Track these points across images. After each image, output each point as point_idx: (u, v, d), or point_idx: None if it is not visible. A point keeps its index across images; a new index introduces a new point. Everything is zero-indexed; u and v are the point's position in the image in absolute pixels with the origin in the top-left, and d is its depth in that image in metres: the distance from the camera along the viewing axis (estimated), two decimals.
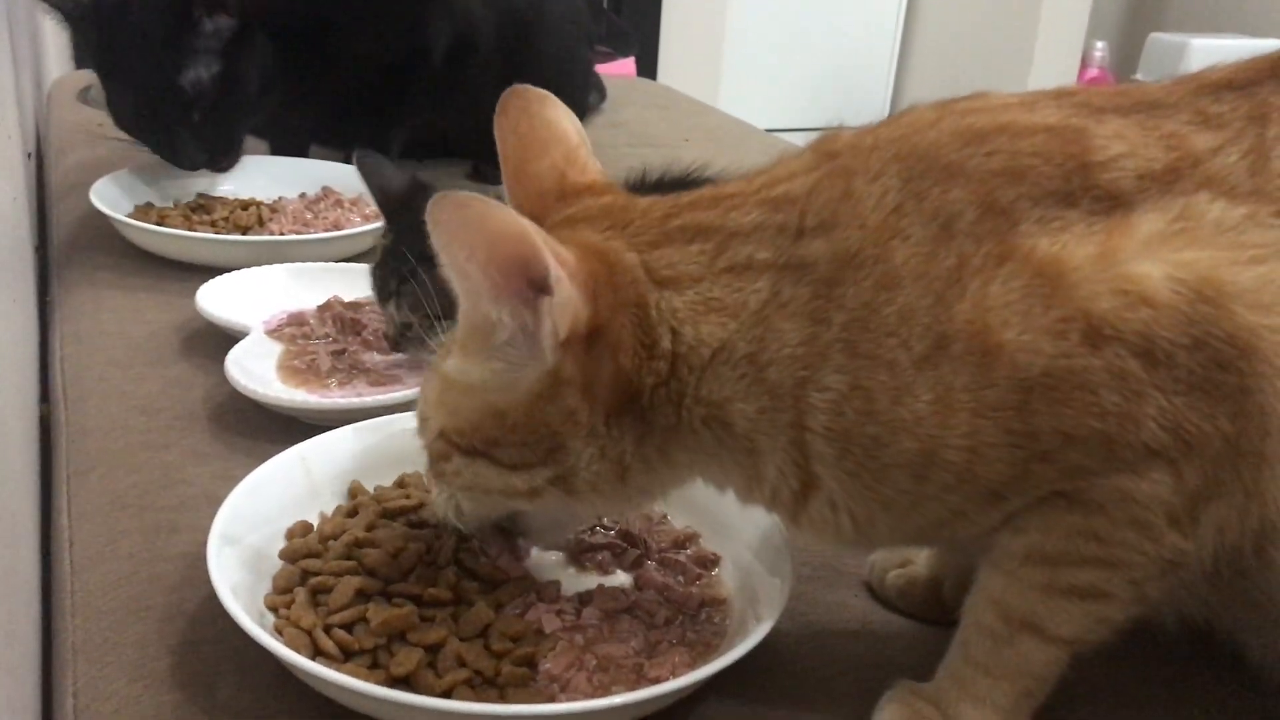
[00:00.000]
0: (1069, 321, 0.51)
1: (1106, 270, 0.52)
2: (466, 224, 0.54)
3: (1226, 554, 0.55)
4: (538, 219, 0.62)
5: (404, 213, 0.99)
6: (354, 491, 0.77)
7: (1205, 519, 0.54)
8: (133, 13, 1.30)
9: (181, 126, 1.33)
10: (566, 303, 0.55)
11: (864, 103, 4.22)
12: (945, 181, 0.55)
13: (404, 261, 0.93)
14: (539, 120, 0.67)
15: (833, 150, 0.59)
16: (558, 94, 0.68)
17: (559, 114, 0.67)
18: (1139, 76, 3.85)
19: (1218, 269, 0.51)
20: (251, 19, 1.34)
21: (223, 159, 1.39)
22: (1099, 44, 4.05)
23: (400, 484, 0.79)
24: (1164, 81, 0.60)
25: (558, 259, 0.54)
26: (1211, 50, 3.61)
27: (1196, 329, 0.51)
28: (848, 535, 0.59)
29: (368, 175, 1.02)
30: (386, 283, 0.97)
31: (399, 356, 1.01)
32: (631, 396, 0.58)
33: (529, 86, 0.67)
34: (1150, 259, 0.52)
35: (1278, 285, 0.51)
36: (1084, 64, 4.01)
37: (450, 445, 0.62)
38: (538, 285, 0.55)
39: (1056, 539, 0.56)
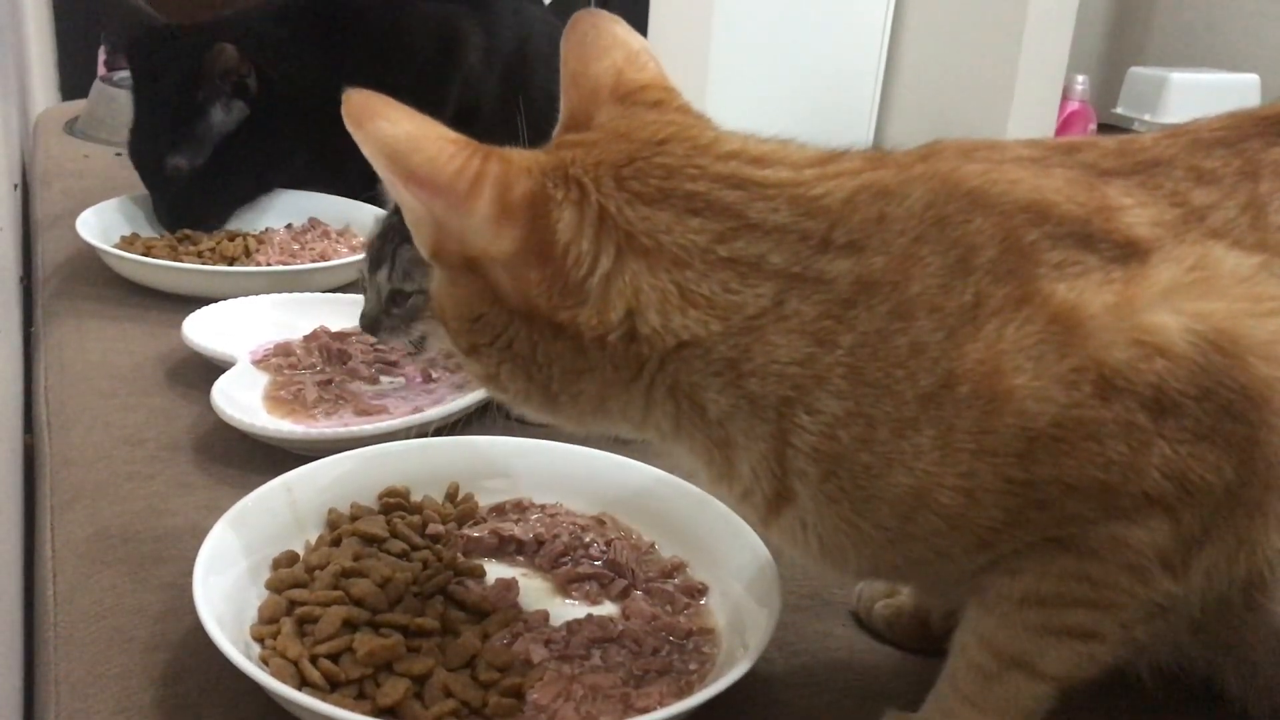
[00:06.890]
0: (1082, 371, 0.50)
1: (1123, 320, 0.51)
2: (361, 113, 0.58)
3: (1213, 600, 0.55)
4: (585, 119, 0.63)
5: None
6: (333, 522, 0.77)
7: (1196, 564, 0.53)
8: (158, 77, 1.37)
9: (159, 194, 1.39)
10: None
11: (848, 130, 4.24)
12: (968, 209, 0.54)
13: (404, 231, 0.91)
14: (604, 31, 0.66)
15: (879, 159, 0.58)
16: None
17: (626, 30, 0.66)
18: (1120, 110, 3.89)
19: (1234, 320, 0.51)
20: (265, 105, 1.38)
21: (194, 228, 1.41)
22: (1080, 78, 4.08)
23: (385, 509, 0.79)
24: (1155, 135, 0.60)
25: (474, 157, 0.57)
26: (1190, 84, 3.65)
27: (1208, 379, 0.50)
28: (814, 554, 0.58)
29: None
30: (381, 250, 0.95)
31: (385, 385, 1.01)
32: (554, 326, 0.56)
33: (600, 10, 0.68)
34: (1168, 309, 0.51)
35: None
36: (1065, 97, 4.04)
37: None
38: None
39: (1050, 581, 0.55)
